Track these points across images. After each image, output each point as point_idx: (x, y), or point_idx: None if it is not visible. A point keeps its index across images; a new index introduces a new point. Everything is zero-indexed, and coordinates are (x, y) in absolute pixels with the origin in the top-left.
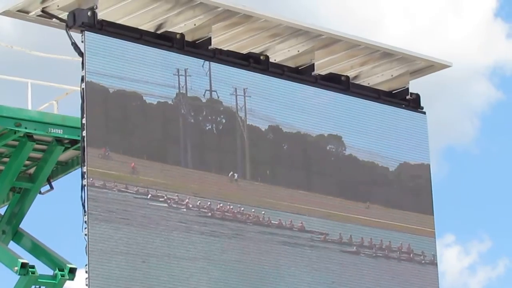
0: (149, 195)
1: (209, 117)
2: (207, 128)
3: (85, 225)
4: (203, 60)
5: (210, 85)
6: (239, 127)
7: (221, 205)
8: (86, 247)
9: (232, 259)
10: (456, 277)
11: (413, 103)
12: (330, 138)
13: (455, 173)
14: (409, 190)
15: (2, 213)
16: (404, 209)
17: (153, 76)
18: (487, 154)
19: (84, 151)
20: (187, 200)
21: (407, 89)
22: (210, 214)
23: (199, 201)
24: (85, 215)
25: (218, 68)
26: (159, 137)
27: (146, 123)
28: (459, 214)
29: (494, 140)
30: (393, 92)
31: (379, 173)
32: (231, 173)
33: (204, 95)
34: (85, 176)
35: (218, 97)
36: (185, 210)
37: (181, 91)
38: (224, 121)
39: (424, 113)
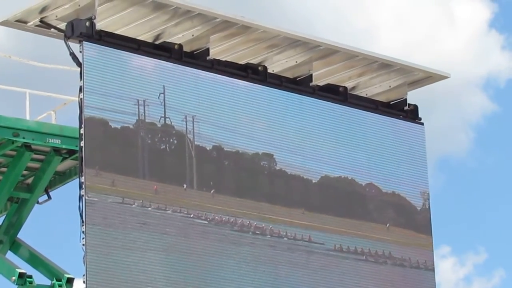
0: (139, 205)
1: (163, 139)
2: (161, 147)
3: (82, 235)
4: (159, 92)
5: (164, 113)
6: (188, 147)
7: (173, 208)
8: (83, 257)
9: (180, 248)
10: None
11: (411, 114)
12: (264, 155)
13: (450, 184)
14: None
15: (0, 223)
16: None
17: (117, 105)
18: (482, 166)
19: (82, 161)
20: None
21: (405, 100)
22: (166, 216)
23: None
24: (83, 225)
25: (171, 99)
26: (123, 155)
27: (110, 143)
28: (454, 225)
29: (488, 152)
30: (391, 103)
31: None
32: (181, 183)
33: (159, 121)
34: (83, 186)
35: (171, 123)
36: (170, 212)
37: (140, 118)
38: (175, 142)
39: (422, 124)
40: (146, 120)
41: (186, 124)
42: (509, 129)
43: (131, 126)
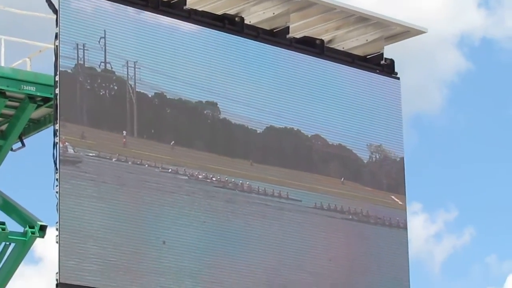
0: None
1: (103, 85)
2: (101, 93)
3: (56, 183)
4: (100, 37)
5: (105, 58)
6: (129, 93)
7: (114, 155)
8: (57, 205)
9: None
10: (422, 244)
11: (387, 68)
12: (208, 104)
13: (423, 142)
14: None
15: None
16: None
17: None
18: (454, 123)
19: (56, 108)
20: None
21: (382, 54)
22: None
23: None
24: (56, 173)
25: (112, 44)
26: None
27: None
28: (426, 183)
29: (461, 110)
30: (368, 57)
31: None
32: (121, 130)
33: (99, 66)
34: (57, 134)
35: (112, 68)
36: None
37: (79, 62)
38: (116, 88)
39: (398, 78)
40: (85, 65)
41: (128, 70)
42: (482, 87)
43: (69, 71)
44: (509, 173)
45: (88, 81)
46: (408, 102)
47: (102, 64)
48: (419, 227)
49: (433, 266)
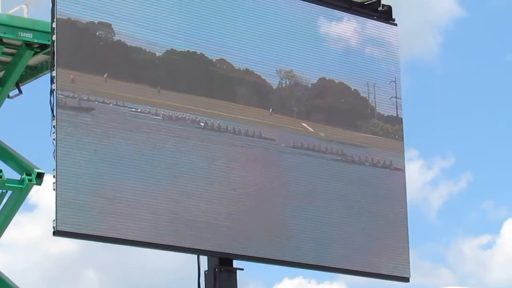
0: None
1: None
2: None
3: (53, 130)
4: None
5: None
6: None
7: None
8: (54, 152)
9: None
10: (418, 191)
11: (384, 14)
12: (101, 25)
13: (418, 88)
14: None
15: None
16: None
17: None
18: (449, 71)
19: (53, 55)
20: None
21: (379, 0)
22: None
23: None
24: (53, 120)
25: None
26: None
27: None
28: (422, 129)
29: (456, 57)
30: (365, 3)
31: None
32: None
33: None
34: (54, 81)
35: None
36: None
37: None
38: None
39: (396, 25)
40: None
41: None
42: (477, 34)
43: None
44: (506, 120)
45: None
46: (403, 48)
47: None
48: (415, 173)
49: (430, 212)
